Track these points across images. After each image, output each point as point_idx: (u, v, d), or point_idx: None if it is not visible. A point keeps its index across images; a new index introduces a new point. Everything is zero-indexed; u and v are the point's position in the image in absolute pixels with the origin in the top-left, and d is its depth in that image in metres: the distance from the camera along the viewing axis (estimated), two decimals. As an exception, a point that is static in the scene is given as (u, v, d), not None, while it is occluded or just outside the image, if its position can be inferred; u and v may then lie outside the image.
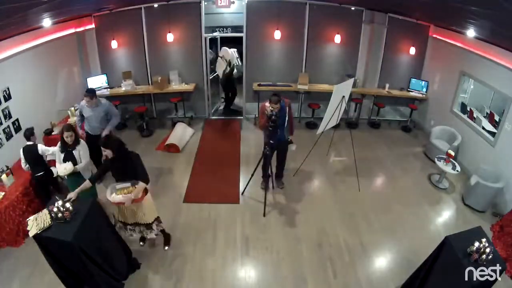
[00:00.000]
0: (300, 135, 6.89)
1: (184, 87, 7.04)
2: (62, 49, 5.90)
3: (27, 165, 3.97)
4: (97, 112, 4.63)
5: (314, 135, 6.92)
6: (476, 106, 6.06)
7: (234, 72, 7.73)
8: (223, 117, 7.73)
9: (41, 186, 4.17)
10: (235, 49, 7.58)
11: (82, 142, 3.96)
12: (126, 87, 6.77)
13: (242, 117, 7.62)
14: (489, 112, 5.53)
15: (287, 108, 4.44)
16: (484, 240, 2.74)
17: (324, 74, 7.31)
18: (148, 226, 3.58)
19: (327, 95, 7.27)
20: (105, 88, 6.82)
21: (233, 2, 6.58)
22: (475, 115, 5.81)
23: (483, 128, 5.42)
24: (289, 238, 4.18)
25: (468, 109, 5.94)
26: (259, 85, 7.13)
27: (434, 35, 6.68)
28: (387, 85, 7.14)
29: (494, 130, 5.24)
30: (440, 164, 5.17)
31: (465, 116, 5.89)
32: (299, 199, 4.91)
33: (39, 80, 5.26)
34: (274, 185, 5.07)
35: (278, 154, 4.90)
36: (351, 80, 5.23)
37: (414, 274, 3.32)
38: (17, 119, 4.70)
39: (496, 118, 5.39)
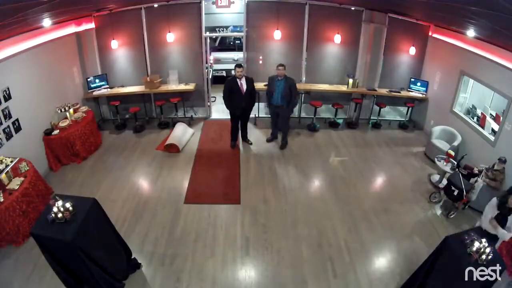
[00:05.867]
0: (300, 137, 6.89)
1: (181, 87, 7.03)
2: (62, 49, 5.90)
3: None
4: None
5: (315, 136, 6.94)
6: (478, 107, 6.04)
7: None
8: (222, 118, 7.72)
9: None
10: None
11: None
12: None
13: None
14: (494, 114, 5.47)
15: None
16: (484, 240, 2.74)
17: (324, 74, 7.32)
18: None
19: (327, 95, 7.35)
20: (105, 88, 6.84)
21: (233, 2, 6.59)
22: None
23: (492, 130, 5.33)
24: (289, 238, 4.18)
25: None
26: (266, 85, 7.09)
27: (434, 35, 6.68)
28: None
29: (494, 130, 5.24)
30: (440, 164, 5.16)
31: (467, 117, 5.88)
32: (299, 199, 4.91)
33: (39, 80, 5.26)
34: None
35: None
36: None
37: (414, 274, 3.32)
38: (17, 119, 4.70)
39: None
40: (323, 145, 6.52)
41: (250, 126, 7.23)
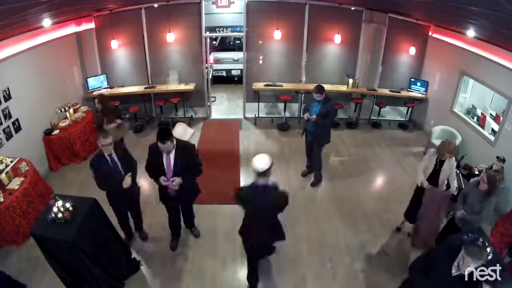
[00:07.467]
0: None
1: (181, 87, 7.03)
2: (62, 49, 5.90)
3: None
4: None
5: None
6: (478, 107, 6.03)
7: None
8: (222, 118, 7.73)
9: None
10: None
11: None
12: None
13: (242, 117, 7.61)
14: (494, 114, 5.47)
15: None
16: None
17: (324, 74, 7.31)
18: None
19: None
20: (105, 88, 6.84)
21: (233, 2, 6.59)
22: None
23: (492, 130, 5.33)
24: (289, 238, 4.15)
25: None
26: (266, 85, 7.12)
27: (434, 35, 6.68)
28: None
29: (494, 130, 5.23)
30: (440, 164, 5.15)
31: (466, 117, 5.87)
32: (299, 199, 4.91)
33: (39, 80, 5.25)
34: None
35: None
36: None
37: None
38: (17, 119, 4.70)
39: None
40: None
41: (250, 126, 7.24)
